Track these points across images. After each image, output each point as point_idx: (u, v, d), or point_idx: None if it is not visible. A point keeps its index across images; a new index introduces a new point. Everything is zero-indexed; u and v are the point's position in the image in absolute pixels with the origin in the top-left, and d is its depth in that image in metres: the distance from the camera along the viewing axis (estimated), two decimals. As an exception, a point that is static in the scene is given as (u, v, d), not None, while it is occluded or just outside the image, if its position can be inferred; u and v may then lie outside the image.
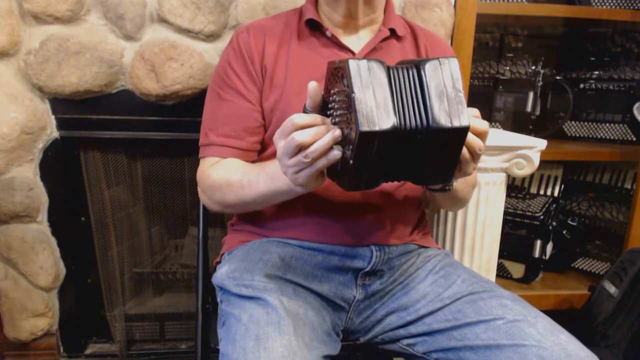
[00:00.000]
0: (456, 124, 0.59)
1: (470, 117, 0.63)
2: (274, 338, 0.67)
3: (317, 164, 0.61)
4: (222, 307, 0.82)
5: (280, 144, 0.62)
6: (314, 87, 0.63)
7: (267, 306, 0.73)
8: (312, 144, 0.59)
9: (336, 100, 0.61)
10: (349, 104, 0.57)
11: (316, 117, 0.61)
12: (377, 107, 0.56)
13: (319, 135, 0.59)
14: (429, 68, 0.60)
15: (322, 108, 0.64)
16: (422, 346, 0.81)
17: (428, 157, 0.63)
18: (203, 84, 1.21)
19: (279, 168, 0.66)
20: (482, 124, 0.66)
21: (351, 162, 0.58)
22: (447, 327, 0.79)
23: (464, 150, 0.65)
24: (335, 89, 0.61)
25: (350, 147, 0.58)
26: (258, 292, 0.76)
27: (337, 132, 0.59)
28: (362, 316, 0.87)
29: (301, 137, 0.59)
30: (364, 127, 0.55)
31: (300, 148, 0.60)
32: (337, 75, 0.60)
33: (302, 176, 0.63)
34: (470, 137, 0.64)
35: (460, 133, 0.60)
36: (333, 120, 0.61)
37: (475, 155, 0.66)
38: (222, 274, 0.84)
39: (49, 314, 1.38)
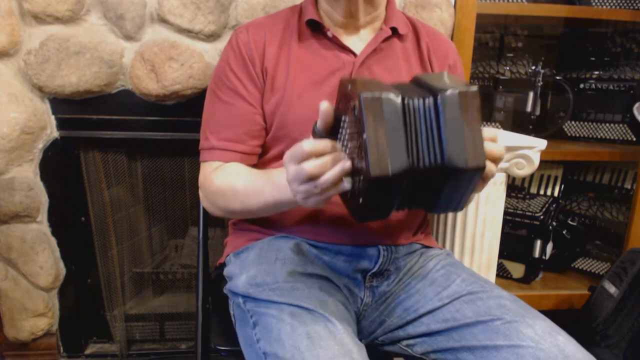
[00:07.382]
0: (472, 164, 0.55)
1: (487, 143, 0.59)
2: (326, 337, 0.66)
3: (327, 194, 0.60)
4: (249, 308, 0.79)
5: (291, 168, 0.61)
6: (325, 109, 0.62)
7: (302, 304, 0.72)
8: (322, 175, 0.59)
9: (346, 128, 0.58)
10: (360, 141, 0.54)
11: (326, 145, 0.60)
12: (388, 147, 0.53)
13: (329, 167, 0.59)
14: (446, 99, 0.55)
15: (333, 127, 0.62)
16: (421, 347, 0.81)
17: (441, 191, 0.60)
18: (203, 84, 1.21)
19: (286, 178, 0.65)
20: (498, 150, 0.63)
21: (361, 200, 0.56)
22: (446, 327, 0.78)
23: None
24: (347, 117, 0.58)
25: (361, 177, 0.55)
26: (287, 292, 0.75)
27: (347, 164, 0.58)
28: (368, 319, 0.87)
29: (312, 169, 0.58)
30: (375, 172, 0.52)
31: (311, 178, 0.59)
32: (349, 103, 0.57)
33: (311, 201, 0.62)
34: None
35: (476, 172, 0.57)
36: (343, 145, 0.59)
37: (486, 180, 0.66)
38: (244, 284, 0.82)
39: (49, 314, 1.38)
